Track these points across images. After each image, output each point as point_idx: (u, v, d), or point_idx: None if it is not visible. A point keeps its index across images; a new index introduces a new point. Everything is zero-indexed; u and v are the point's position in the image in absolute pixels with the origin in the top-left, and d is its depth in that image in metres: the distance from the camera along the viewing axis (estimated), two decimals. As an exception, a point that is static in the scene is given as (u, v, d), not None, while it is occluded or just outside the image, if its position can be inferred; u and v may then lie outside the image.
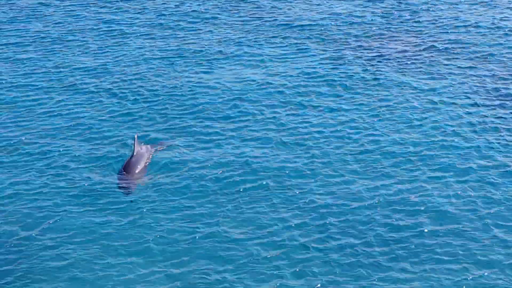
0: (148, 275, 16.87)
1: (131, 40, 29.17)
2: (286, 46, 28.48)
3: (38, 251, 17.58)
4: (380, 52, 27.93)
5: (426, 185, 19.90)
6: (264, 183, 19.99)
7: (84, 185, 19.96)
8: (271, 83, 25.43)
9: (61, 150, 21.61)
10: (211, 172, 20.48)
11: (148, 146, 21.51)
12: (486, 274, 16.81)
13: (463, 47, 28.13)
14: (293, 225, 18.40)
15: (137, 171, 20.38)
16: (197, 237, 17.99)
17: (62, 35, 29.59)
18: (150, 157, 21.21)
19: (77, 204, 19.22)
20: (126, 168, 20.43)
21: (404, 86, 25.24)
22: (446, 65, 26.76)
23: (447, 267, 17.00)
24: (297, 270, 17.01)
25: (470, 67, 26.53)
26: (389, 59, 27.39)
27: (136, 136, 21.11)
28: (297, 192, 19.62)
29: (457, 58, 27.29)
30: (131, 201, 19.33)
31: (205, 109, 23.85)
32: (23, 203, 19.27)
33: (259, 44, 28.59)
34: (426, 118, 23.21)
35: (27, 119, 23.41)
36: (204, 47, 28.35)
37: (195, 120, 23.25)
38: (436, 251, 17.51)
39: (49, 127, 22.92)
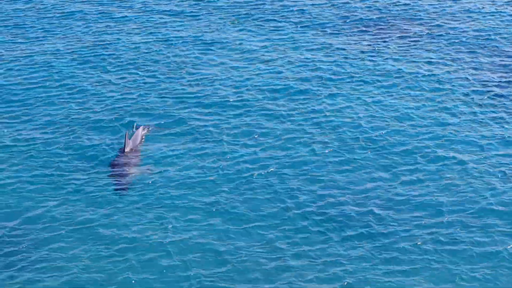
0: (154, 267, 16.80)
1: (128, 25, 28.91)
2: (284, 32, 28.26)
3: (41, 244, 17.44)
4: (379, 38, 27.75)
5: (429, 176, 19.85)
6: (264, 172, 19.88)
7: (78, 177, 19.65)
8: (270, 70, 25.22)
9: (55, 139, 21.35)
10: (212, 161, 20.35)
11: (140, 130, 21.35)
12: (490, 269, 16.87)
13: (464, 33, 27.99)
14: (297, 215, 18.34)
15: (130, 165, 20.06)
16: (204, 226, 17.92)
17: (60, 20, 29.33)
18: (143, 141, 21.10)
19: (69, 196, 18.96)
20: (119, 161, 20.15)
21: (403, 73, 25.07)
22: (447, 51, 26.64)
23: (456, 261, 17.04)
24: (306, 258, 17.01)
25: (471, 53, 26.44)
26: (389, 45, 27.19)
27: (126, 134, 20.77)
28: (301, 182, 19.55)
29: (457, 44, 27.17)
30: (128, 194, 19.13)
31: (203, 97, 23.62)
32: (22, 196, 19.02)
33: (257, 30, 28.34)
34: (426, 106, 23.10)
35: (21, 105, 23.19)
36: (203, 33, 28.08)
37: (193, 107, 23.02)
38: (441, 244, 17.54)
39: (43, 114, 22.68)
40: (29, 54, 26.39)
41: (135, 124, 21.84)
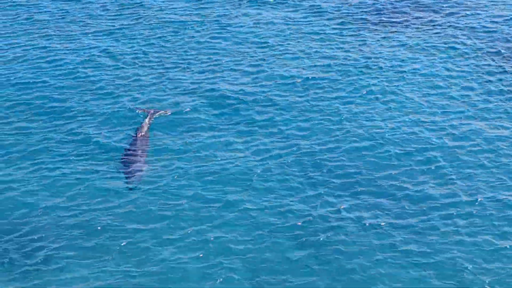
0: (173, 259, 16.54)
1: (143, 8, 28.70)
2: (298, 18, 27.98)
3: (57, 238, 17.16)
4: (394, 26, 27.40)
5: (459, 162, 19.63)
6: (288, 161, 19.63)
7: (90, 169, 19.18)
8: (284, 57, 24.95)
9: (64, 127, 21.01)
10: (231, 150, 20.03)
11: (148, 118, 20.96)
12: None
13: (481, 20, 27.67)
14: (329, 199, 18.15)
15: (142, 155, 19.45)
16: (227, 209, 17.80)
17: (75, 3, 29.06)
18: (152, 120, 20.88)
19: (80, 189, 18.52)
20: (130, 151, 19.65)
21: (419, 60, 24.78)
22: (463, 39, 26.29)
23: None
24: (320, 239, 16.94)
25: (488, 39, 26.13)
26: (404, 33, 26.84)
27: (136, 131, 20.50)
28: (325, 169, 19.29)
29: (474, 31, 26.85)
30: (142, 186, 18.64)
31: (219, 83, 23.28)
32: (33, 190, 18.58)
33: (273, 14, 28.16)
34: (445, 93, 22.84)
35: (34, 91, 22.84)
36: (219, 17, 27.88)
37: (211, 93, 22.68)
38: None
39: (54, 101, 22.30)
40: (45, 35, 26.22)
41: (144, 109, 21.52)
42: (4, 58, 24.63)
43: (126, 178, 18.71)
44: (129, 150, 19.71)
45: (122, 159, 19.44)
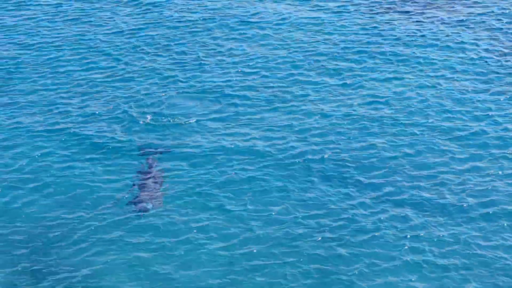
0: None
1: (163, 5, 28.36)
2: (326, 8, 27.63)
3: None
4: (426, 19, 26.92)
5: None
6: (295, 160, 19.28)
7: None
8: (309, 49, 24.62)
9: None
10: (258, 150, 19.68)
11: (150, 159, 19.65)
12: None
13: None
14: (348, 193, 18.04)
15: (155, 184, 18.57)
16: (246, 207, 17.61)
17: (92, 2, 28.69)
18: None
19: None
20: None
21: (451, 54, 24.37)
22: (496, 34, 25.74)
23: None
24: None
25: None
26: (436, 26, 26.35)
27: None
28: (348, 159, 19.22)
29: (506, 25, 26.29)
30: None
31: (237, 81, 22.98)
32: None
33: (296, 6, 27.83)
34: (477, 88, 22.44)
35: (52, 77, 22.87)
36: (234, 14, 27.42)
37: (235, 91, 22.41)
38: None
39: (68, 87, 22.36)
40: (67, 28, 26.08)
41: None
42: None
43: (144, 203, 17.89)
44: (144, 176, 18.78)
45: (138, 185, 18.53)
